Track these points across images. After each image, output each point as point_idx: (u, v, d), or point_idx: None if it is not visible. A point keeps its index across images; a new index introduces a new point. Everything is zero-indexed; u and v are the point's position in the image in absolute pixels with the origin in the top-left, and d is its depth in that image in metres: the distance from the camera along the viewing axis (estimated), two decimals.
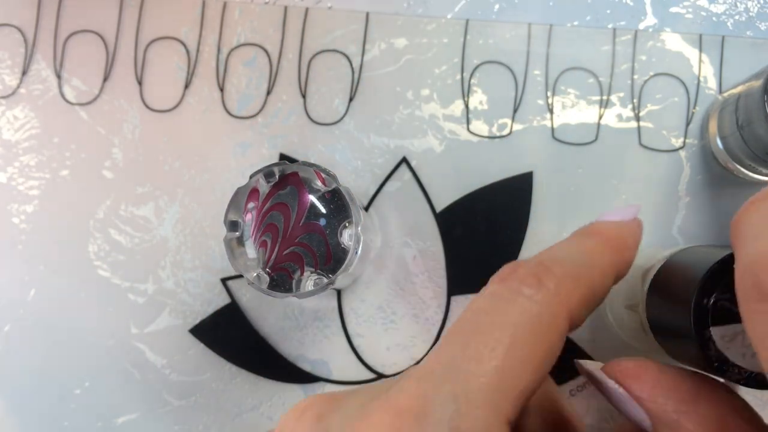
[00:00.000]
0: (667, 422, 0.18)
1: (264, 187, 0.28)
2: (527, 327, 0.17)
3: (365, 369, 0.35)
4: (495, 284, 0.19)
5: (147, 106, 0.37)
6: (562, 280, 0.18)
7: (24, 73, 0.38)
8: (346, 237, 0.27)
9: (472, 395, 0.16)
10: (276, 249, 0.28)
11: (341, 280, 0.28)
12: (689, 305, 0.20)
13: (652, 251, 0.31)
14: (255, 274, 0.27)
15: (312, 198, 0.28)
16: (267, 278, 0.27)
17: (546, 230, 0.35)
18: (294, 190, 0.28)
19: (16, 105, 0.37)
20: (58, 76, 0.37)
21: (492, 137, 0.36)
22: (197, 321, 0.35)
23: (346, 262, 0.27)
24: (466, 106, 0.36)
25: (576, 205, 0.35)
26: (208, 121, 0.37)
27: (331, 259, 0.27)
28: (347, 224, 0.27)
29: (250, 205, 0.28)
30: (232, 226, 0.28)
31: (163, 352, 0.35)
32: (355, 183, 0.36)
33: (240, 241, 0.28)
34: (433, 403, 0.16)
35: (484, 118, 0.36)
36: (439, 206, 0.35)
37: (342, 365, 0.35)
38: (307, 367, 0.35)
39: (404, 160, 0.36)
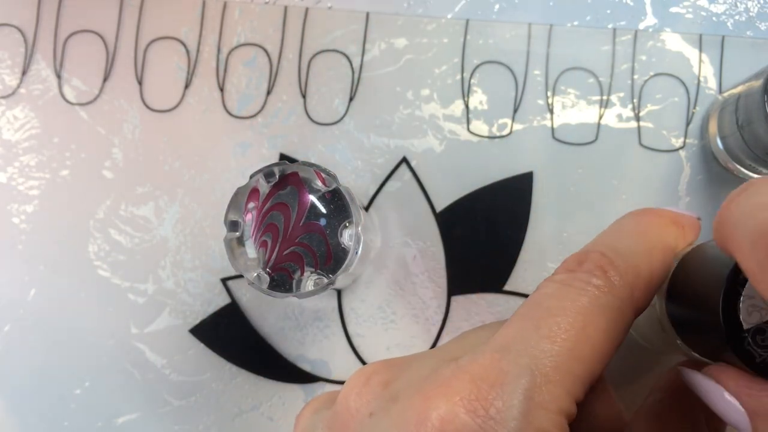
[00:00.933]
0: (765, 414, 0.18)
1: (264, 187, 0.28)
2: (597, 315, 0.18)
3: None
4: (563, 274, 0.20)
5: (147, 106, 0.37)
6: (625, 273, 0.19)
7: (24, 73, 0.38)
8: (346, 237, 0.27)
9: (546, 370, 0.17)
10: (276, 249, 0.28)
11: (341, 280, 0.28)
12: (718, 295, 0.19)
13: None
14: (255, 274, 0.27)
15: (312, 198, 0.28)
16: (267, 278, 0.27)
17: (546, 230, 0.35)
18: (294, 190, 0.28)
19: (16, 105, 0.37)
20: (58, 76, 0.37)
21: (492, 137, 0.36)
22: (197, 321, 0.35)
23: (346, 262, 0.27)
24: (466, 106, 0.36)
25: (576, 205, 0.35)
26: (208, 121, 0.37)
27: (331, 259, 0.27)
28: (347, 224, 0.27)
29: (250, 205, 0.28)
30: (232, 226, 0.28)
31: (163, 352, 0.35)
32: (355, 183, 0.36)
33: (240, 241, 0.28)
34: (509, 375, 0.17)
35: (484, 118, 0.36)
36: (439, 206, 0.35)
37: (342, 365, 0.35)
38: (307, 367, 0.35)
39: (404, 160, 0.36)
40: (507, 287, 0.35)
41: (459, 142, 0.36)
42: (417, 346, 0.35)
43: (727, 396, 0.18)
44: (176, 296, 0.36)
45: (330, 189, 0.28)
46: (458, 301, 0.35)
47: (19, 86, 0.37)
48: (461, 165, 0.36)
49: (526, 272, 0.35)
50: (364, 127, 0.36)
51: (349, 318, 0.35)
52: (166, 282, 0.36)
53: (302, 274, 0.27)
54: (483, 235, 0.35)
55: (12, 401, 0.36)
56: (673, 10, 0.36)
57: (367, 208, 0.36)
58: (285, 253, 0.27)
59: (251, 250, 0.28)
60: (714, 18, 0.36)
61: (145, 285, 0.36)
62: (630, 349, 0.34)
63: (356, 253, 0.27)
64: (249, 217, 0.28)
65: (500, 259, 0.35)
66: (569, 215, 0.35)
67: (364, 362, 0.35)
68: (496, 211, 0.35)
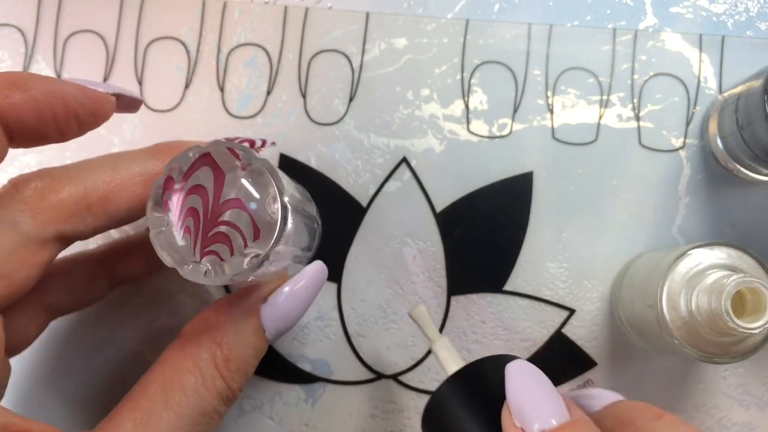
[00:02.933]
0: None
1: (177, 173, 0.27)
2: None
3: (365, 369, 0.35)
4: None
5: (147, 106, 0.37)
6: None
7: None
8: (273, 209, 0.26)
9: None
10: (200, 233, 0.26)
11: (281, 257, 0.26)
12: None
13: (661, 253, 0.31)
14: (189, 267, 0.26)
15: (228, 175, 0.26)
16: (200, 267, 0.26)
17: (546, 230, 0.35)
18: (208, 170, 0.26)
19: None
20: (58, 76, 0.37)
21: (492, 137, 0.36)
22: None
23: (275, 233, 0.25)
24: (466, 106, 0.36)
25: (576, 205, 0.35)
26: (208, 121, 0.37)
27: (259, 234, 0.26)
28: (274, 197, 0.26)
29: (167, 194, 0.27)
30: (157, 221, 0.27)
31: None
32: (355, 183, 0.36)
33: (167, 234, 0.26)
34: None
35: (484, 118, 0.36)
36: (439, 206, 0.35)
37: (342, 365, 0.35)
38: (307, 367, 0.35)
39: (404, 160, 0.36)
40: (507, 287, 0.35)
41: (459, 142, 0.36)
42: (417, 346, 0.35)
43: None
44: (176, 296, 0.36)
45: (247, 164, 0.26)
46: (458, 301, 0.35)
47: None
48: (461, 165, 0.36)
49: (526, 272, 0.35)
50: (364, 127, 0.36)
51: (349, 318, 0.35)
52: (166, 282, 0.36)
53: (232, 254, 0.26)
54: (483, 235, 0.35)
55: (10, 403, 0.36)
56: (673, 10, 0.36)
57: (367, 208, 0.36)
58: (210, 235, 0.26)
59: (179, 240, 0.26)
60: (714, 18, 0.36)
61: (144, 285, 0.36)
62: (628, 350, 0.34)
63: (285, 223, 0.26)
64: (168, 207, 0.26)
65: (500, 259, 0.35)
66: (569, 215, 0.35)
67: (364, 362, 0.35)
68: (496, 211, 0.35)
